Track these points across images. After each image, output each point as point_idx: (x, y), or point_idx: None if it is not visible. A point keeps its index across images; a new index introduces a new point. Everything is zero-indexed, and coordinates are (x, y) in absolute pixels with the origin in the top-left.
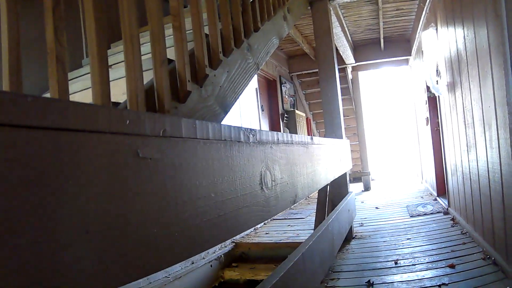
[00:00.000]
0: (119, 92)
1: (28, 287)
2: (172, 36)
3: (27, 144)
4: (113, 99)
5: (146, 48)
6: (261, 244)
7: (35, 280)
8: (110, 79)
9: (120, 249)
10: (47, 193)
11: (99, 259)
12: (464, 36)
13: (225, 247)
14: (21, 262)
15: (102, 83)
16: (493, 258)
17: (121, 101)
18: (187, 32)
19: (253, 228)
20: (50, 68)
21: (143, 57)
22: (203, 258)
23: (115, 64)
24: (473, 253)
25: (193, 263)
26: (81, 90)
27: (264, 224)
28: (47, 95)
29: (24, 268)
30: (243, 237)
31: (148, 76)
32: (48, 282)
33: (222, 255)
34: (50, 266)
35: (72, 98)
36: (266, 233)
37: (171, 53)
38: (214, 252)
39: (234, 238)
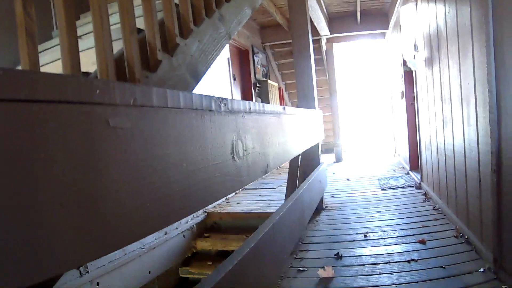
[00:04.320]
0: (89, 62)
1: (4, 265)
2: (141, 6)
3: None
4: (83, 69)
5: (115, 19)
6: (232, 214)
7: (10, 258)
8: (80, 49)
9: (95, 221)
10: (19, 168)
11: (74, 232)
12: (445, 13)
13: (197, 217)
14: None
15: (72, 53)
16: (466, 237)
17: (92, 71)
18: (156, 2)
19: (225, 197)
20: (20, 40)
21: (112, 27)
22: (176, 228)
23: (84, 34)
24: (445, 230)
25: (166, 233)
26: (51, 61)
27: (236, 193)
28: (19, 68)
29: None
30: (215, 207)
31: (118, 46)
32: (23, 258)
33: (195, 225)
34: (25, 243)
35: (43, 69)
36: (238, 203)
37: (140, 24)
38: (187, 222)
39: (206, 207)
